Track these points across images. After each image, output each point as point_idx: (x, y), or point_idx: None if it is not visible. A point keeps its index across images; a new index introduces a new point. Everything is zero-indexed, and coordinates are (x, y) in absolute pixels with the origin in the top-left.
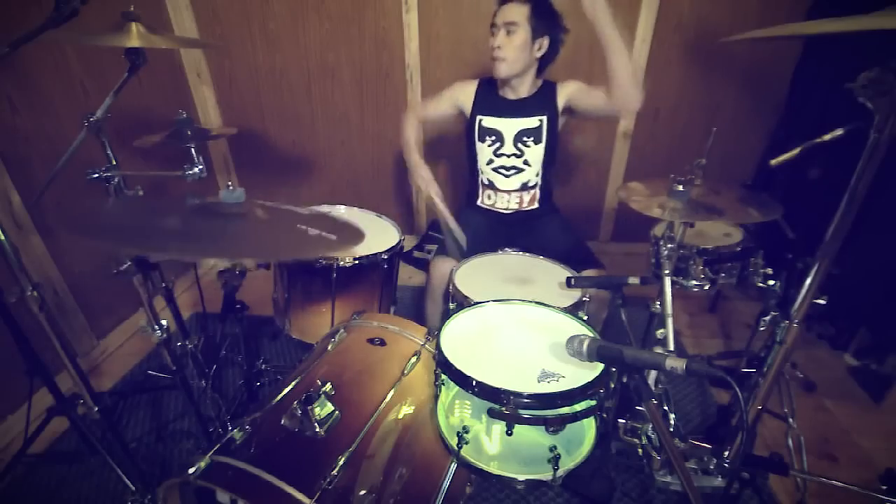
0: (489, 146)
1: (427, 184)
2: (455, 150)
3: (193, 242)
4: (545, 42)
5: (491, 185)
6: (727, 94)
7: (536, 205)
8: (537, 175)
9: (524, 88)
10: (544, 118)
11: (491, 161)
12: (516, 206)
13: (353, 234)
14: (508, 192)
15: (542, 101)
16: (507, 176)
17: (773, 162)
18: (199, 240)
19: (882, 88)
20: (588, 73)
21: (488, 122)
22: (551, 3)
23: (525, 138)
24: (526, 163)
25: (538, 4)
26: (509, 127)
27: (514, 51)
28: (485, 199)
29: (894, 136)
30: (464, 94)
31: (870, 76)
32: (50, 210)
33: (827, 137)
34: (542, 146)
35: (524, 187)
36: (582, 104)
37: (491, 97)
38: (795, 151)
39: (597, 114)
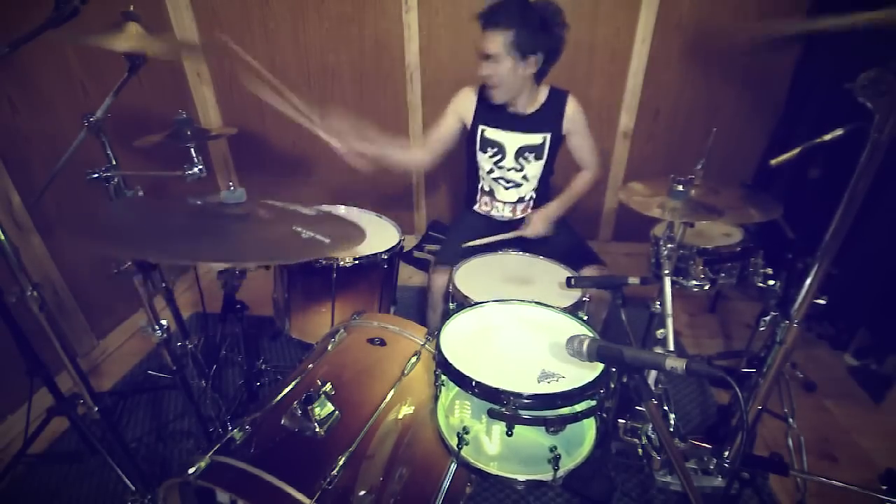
0: (490, 157)
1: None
2: (456, 152)
3: (191, 246)
4: (538, 58)
5: (491, 193)
6: (727, 94)
7: (530, 211)
8: (534, 190)
9: (527, 104)
10: (548, 136)
11: (491, 171)
12: (510, 216)
13: (351, 236)
14: (504, 202)
15: (548, 116)
16: (506, 188)
17: (773, 162)
18: (198, 244)
19: (882, 88)
20: (588, 73)
21: (491, 133)
22: (536, 20)
23: (527, 154)
24: (525, 178)
25: (520, 29)
26: (512, 141)
27: (504, 78)
28: (482, 206)
29: (894, 136)
30: (465, 104)
31: (870, 76)
32: (50, 211)
33: (827, 137)
34: (541, 162)
35: (520, 200)
36: (571, 143)
37: (494, 108)
38: (795, 151)
39: (572, 155)
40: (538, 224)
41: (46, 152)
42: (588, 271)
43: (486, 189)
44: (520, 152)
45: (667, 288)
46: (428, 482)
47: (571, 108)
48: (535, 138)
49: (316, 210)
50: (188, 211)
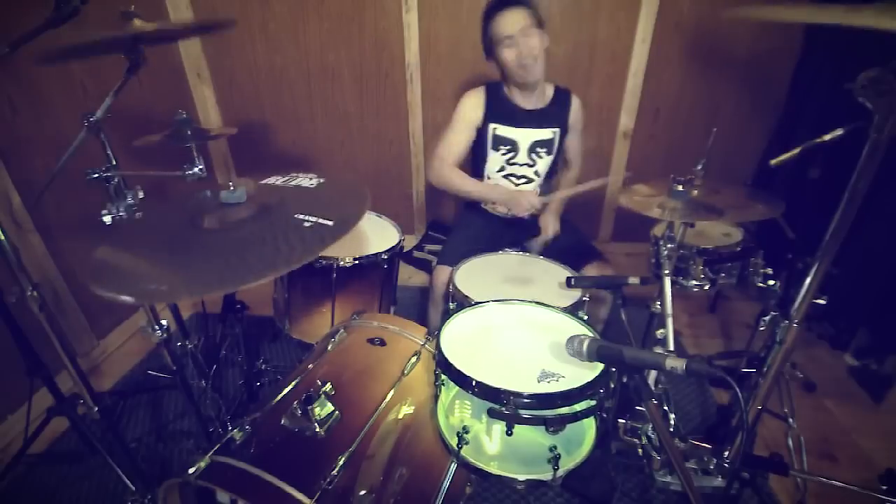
0: (503, 155)
1: (523, 200)
2: None
3: (196, 279)
4: (545, 34)
5: None
6: (727, 94)
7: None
8: (540, 186)
9: (542, 95)
10: (558, 130)
11: (502, 169)
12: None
13: (352, 207)
14: None
15: (556, 112)
16: (516, 185)
17: (774, 162)
18: (202, 273)
19: (882, 88)
20: (588, 73)
21: (503, 131)
22: None
23: (539, 149)
24: (536, 173)
25: (529, 5)
26: (525, 137)
27: (539, 50)
28: (488, 204)
29: (894, 136)
30: (475, 109)
31: (870, 76)
32: (50, 211)
33: (827, 137)
34: (551, 158)
35: None
36: (567, 139)
37: (505, 105)
38: (795, 151)
39: (564, 154)
40: (554, 224)
41: (46, 152)
42: (591, 268)
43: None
44: (532, 148)
45: (667, 288)
46: (428, 482)
47: (576, 105)
48: (546, 133)
49: (317, 180)
50: (185, 223)
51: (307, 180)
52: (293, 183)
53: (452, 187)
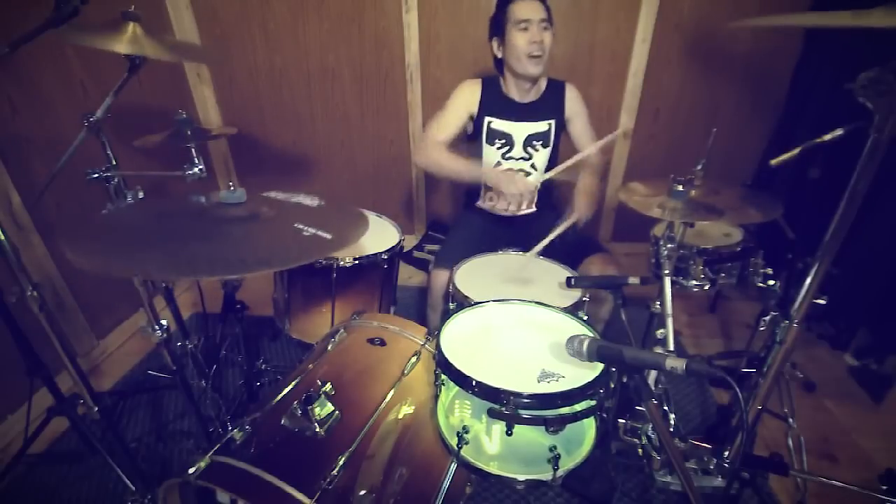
0: (498, 149)
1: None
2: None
3: (191, 260)
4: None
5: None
6: (727, 94)
7: (534, 208)
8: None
9: (537, 88)
10: (553, 122)
11: (499, 164)
12: (514, 209)
13: (353, 228)
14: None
15: (550, 104)
16: None
17: (773, 162)
18: (198, 256)
19: (882, 88)
20: (588, 73)
21: (498, 124)
22: None
23: (534, 142)
24: (533, 167)
25: (546, 2)
26: (519, 130)
27: (549, 47)
28: (486, 201)
29: (894, 136)
30: (471, 97)
31: (870, 76)
32: (50, 211)
33: (827, 137)
34: (548, 150)
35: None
36: (573, 129)
37: (499, 99)
38: (795, 151)
39: (573, 143)
40: (587, 208)
41: (46, 152)
42: (594, 260)
43: (490, 185)
44: (528, 141)
45: (667, 288)
46: (428, 482)
47: (571, 94)
48: (541, 126)
49: (318, 202)
50: (186, 215)
51: (308, 200)
52: (294, 200)
53: (439, 166)
